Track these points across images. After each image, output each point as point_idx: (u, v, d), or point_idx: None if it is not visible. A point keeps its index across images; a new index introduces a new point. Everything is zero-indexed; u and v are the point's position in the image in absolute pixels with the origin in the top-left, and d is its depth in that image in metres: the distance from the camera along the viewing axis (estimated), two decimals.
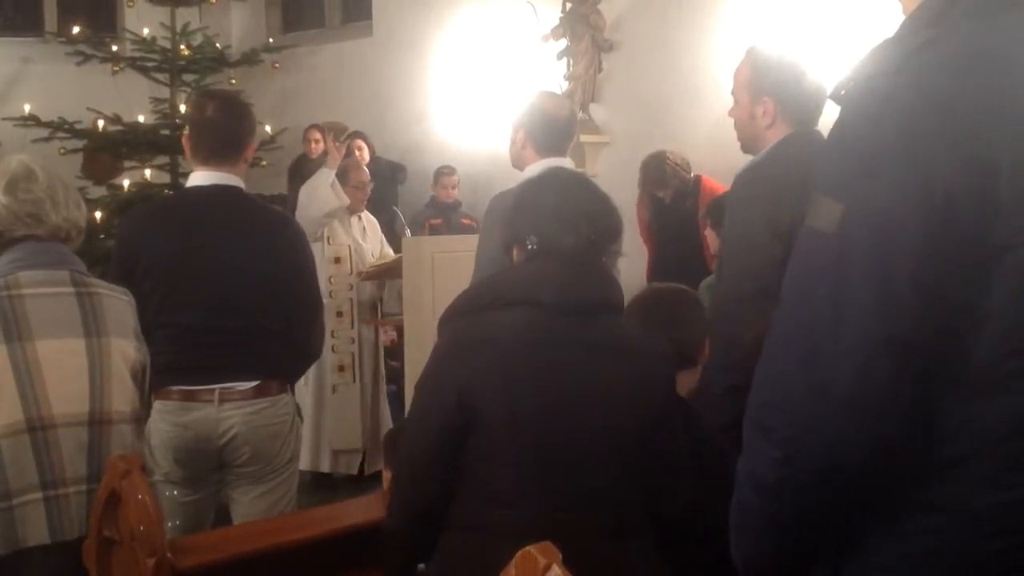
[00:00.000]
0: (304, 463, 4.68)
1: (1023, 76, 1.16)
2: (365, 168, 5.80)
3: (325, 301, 4.88)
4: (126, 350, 2.40)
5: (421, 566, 2.12)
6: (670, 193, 5.40)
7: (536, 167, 3.00)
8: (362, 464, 5.48)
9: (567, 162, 3.14)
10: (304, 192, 5.28)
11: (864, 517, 1.23)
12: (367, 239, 5.61)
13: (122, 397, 2.35)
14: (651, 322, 2.35)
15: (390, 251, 5.65)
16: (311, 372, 4.77)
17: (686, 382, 2.41)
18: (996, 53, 1.17)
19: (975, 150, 1.12)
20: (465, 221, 6.68)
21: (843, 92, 1.25)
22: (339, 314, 5.30)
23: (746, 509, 1.27)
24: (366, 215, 5.74)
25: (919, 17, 1.25)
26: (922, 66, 1.17)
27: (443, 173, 6.97)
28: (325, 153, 6.77)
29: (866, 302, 1.13)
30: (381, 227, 5.81)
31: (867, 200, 1.14)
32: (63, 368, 2.28)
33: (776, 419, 1.20)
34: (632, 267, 4.40)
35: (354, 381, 5.39)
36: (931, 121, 1.13)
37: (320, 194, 5.20)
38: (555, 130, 3.14)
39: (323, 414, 5.38)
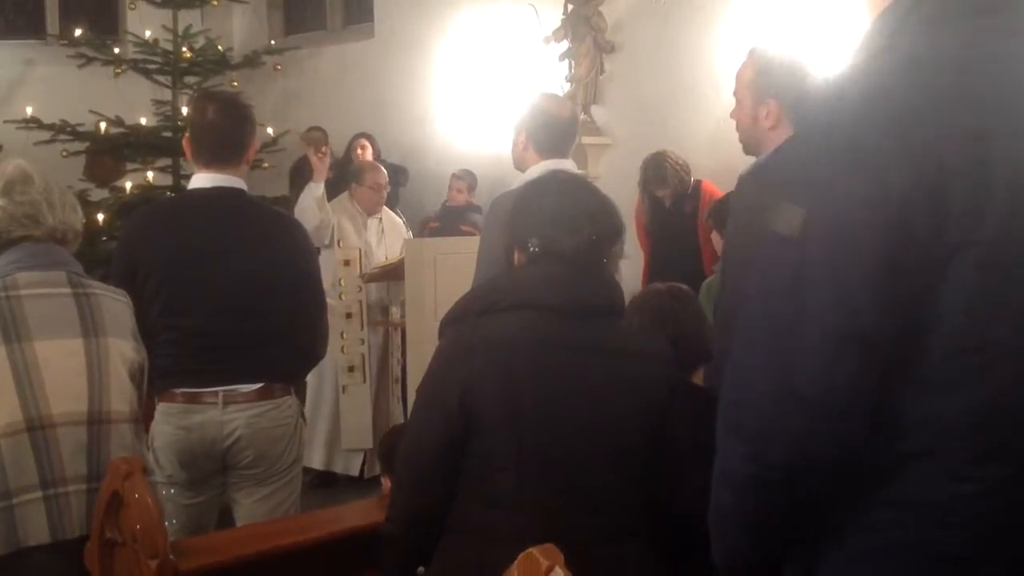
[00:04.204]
0: None
1: (972, 79, 1.18)
2: (383, 169, 5.74)
3: (335, 303, 4.89)
4: (124, 350, 2.41)
5: (420, 569, 2.11)
6: (669, 194, 5.37)
7: (538, 168, 3.00)
8: (363, 466, 5.48)
9: (569, 163, 3.13)
10: (296, 210, 5.24)
11: (834, 512, 1.25)
12: (384, 241, 5.58)
13: (121, 397, 2.36)
14: (653, 323, 2.35)
15: None
16: None
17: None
18: (947, 56, 1.19)
19: (925, 152, 1.14)
20: (464, 228, 6.60)
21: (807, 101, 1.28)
22: (348, 316, 5.29)
23: (721, 507, 1.30)
24: (388, 217, 5.71)
25: (879, 26, 1.28)
26: (875, 72, 1.20)
27: (453, 176, 6.89)
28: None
29: (826, 304, 1.16)
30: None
31: (825, 205, 1.17)
32: (62, 368, 2.28)
33: (745, 417, 1.23)
34: (629, 269, 4.40)
35: (364, 381, 5.39)
36: (881, 125, 1.16)
37: (304, 208, 5.18)
38: (557, 131, 3.14)
39: (319, 412, 5.39)
